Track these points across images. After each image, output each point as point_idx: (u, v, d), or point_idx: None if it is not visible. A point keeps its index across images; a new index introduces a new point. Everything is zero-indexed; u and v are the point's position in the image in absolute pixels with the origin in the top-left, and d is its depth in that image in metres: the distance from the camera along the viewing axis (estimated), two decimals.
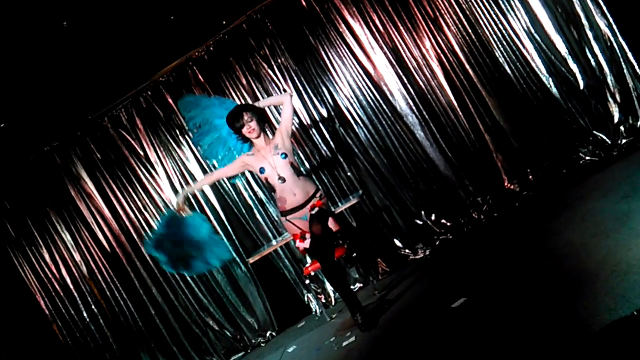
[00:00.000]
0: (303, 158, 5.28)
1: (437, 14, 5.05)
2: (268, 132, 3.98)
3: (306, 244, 3.76)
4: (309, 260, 5.19)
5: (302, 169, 3.96)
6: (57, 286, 5.60)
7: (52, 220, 5.57)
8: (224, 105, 4.04)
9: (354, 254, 5.00)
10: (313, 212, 3.73)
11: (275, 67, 5.29)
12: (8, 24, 3.94)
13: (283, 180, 3.67)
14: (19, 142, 5.37)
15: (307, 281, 5.07)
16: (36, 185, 5.57)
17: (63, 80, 4.88)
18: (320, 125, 5.25)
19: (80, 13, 4.25)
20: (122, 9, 4.48)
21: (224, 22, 5.30)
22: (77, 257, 5.58)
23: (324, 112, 5.26)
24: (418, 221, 5.18)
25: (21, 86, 4.66)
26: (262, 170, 3.72)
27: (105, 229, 5.55)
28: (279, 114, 5.05)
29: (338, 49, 5.21)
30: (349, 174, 5.24)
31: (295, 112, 4.17)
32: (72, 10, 4.19)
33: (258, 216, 5.37)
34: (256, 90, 5.30)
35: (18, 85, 4.62)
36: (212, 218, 5.40)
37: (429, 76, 5.10)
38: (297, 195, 3.72)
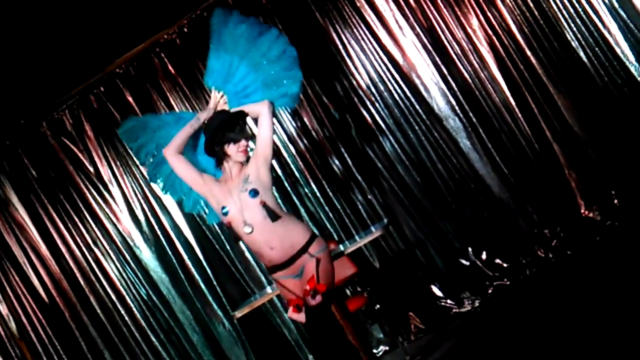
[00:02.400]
0: (308, 176, 5.24)
1: None
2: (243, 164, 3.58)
3: (302, 317, 3.43)
4: None
5: (282, 209, 3.55)
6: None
7: None
8: (181, 122, 3.65)
9: (377, 306, 4.94)
10: (314, 300, 3.35)
11: None
12: None
13: (250, 228, 3.37)
14: None
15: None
16: None
17: None
18: (332, 132, 5.23)
19: None
20: None
21: None
22: (4, 309, 5.47)
23: (337, 115, 5.24)
24: (464, 261, 5.13)
25: None
26: (224, 210, 3.43)
27: (41, 271, 5.46)
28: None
29: (355, 30, 5.20)
30: (370, 197, 5.21)
31: (274, 130, 3.61)
32: None
33: (248, 255, 5.30)
34: None
35: None
36: (184, 257, 5.35)
37: (476, 66, 5.08)
38: (276, 249, 3.41)
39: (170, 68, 5.36)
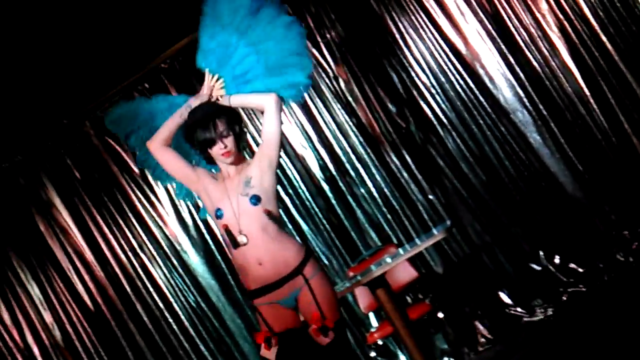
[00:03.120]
0: (364, 175, 5.26)
1: None
2: (245, 154, 3.38)
3: (272, 354, 3.14)
4: (374, 320, 5.10)
5: (284, 226, 3.41)
6: (20, 358, 5.61)
7: (14, 267, 5.62)
8: (174, 108, 3.34)
9: (440, 314, 4.93)
10: (327, 338, 3.08)
11: (322, 44, 5.33)
12: None
13: (245, 239, 3.11)
14: None
15: (373, 353, 4.97)
16: None
17: (28, 70, 4.96)
18: (388, 127, 5.24)
19: None
20: None
21: None
22: (48, 317, 5.60)
23: (394, 109, 5.24)
24: (535, 266, 5.10)
25: None
26: (219, 212, 3.17)
27: (86, 277, 5.58)
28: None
29: (413, 17, 5.20)
30: (431, 197, 5.21)
31: (282, 132, 3.28)
32: None
33: None
34: None
35: None
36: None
37: (546, 53, 5.04)
38: (265, 266, 3.12)
39: None
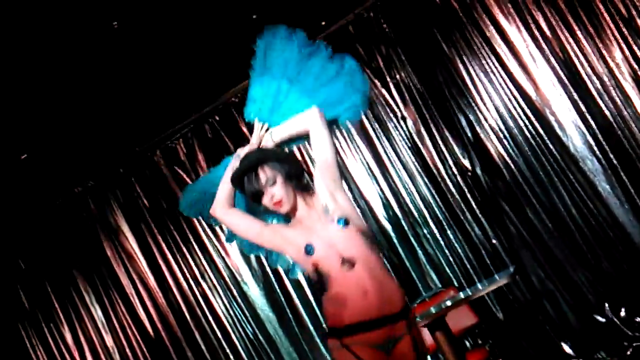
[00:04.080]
0: (427, 216, 5.26)
1: (633, 12, 4.93)
2: (309, 194, 2.99)
3: None
4: None
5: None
6: None
7: (79, 288, 5.79)
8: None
9: None
10: None
11: (391, 84, 5.38)
12: (37, 31, 4.19)
13: (350, 264, 2.79)
14: (43, 179, 5.65)
15: None
16: (61, 239, 5.84)
17: (103, 100, 5.11)
18: (454, 169, 5.25)
19: (129, 13, 4.46)
20: (186, 8, 4.67)
21: (323, 23, 5.42)
22: (109, 340, 5.73)
23: (460, 152, 5.26)
24: (599, 317, 5.00)
25: (49, 106, 4.92)
26: (308, 248, 2.86)
27: (148, 303, 5.69)
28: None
29: (483, 61, 5.22)
30: (494, 242, 5.18)
31: (334, 145, 3.01)
32: (120, 10, 4.42)
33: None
34: (364, 117, 5.34)
35: (45, 105, 4.88)
36: (293, 295, 5.46)
37: (619, 102, 4.98)
38: (370, 297, 2.77)
39: None
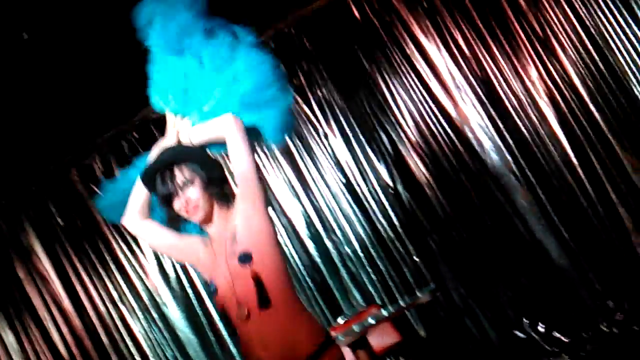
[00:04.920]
0: (350, 235, 5.26)
1: (548, 32, 5.10)
2: (228, 207, 2.61)
3: None
4: None
5: (294, 289, 2.57)
6: None
7: None
8: None
9: None
10: None
11: (313, 101, 5.40)
12: None
13: (246, 314, 2.41)
14: None
15: None
16: None
17: (14, 116, 4.96)
18: (376, 187, 5.28)
19: (41, 23, 4.36)
20: (102, 19, 4.59)
21: None
22: None
23: (382, 169, 5.30)
24: (519, 333, 5.08)
25: None
26: (211, 288, 2.55)
27: (63, 327, 5.50)
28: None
29: (404, 78, 5.27)
30: (415, 259, 5.21)
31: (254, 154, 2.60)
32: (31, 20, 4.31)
33: None
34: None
35: None
36: (215, 317, 5.36)
37: (535, 120, 5.10)
38: (270, 351, 2.42)
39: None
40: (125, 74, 5.11)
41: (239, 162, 2.50)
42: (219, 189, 2.57)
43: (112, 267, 5.53)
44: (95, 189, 5.58)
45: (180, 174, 2.53)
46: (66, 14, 4.42)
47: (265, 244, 2.49)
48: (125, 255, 5.54)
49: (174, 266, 5.47)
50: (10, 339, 5.55)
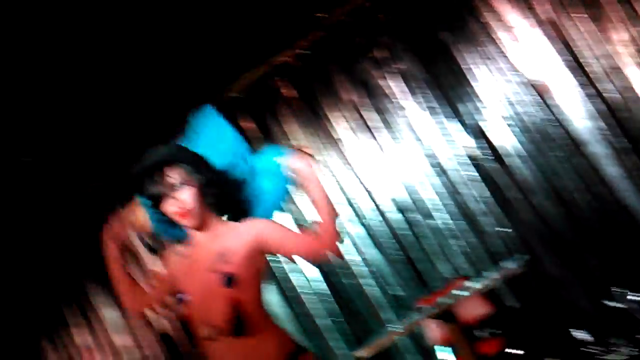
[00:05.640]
0: (434, 205, 5.24)
1: None
2: (218, 217, 2.66)
3: None
4: (445, 354, 5.03)
5: (263, 309, 2.55)
6: None
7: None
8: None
9: (513, 350, 4.83)
10: None
11: (391, 74, 5.39)
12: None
13: (209, 331, 2.41)
14: (51, 183, 5.69)
15: None
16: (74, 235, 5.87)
17: (105, 105, 5.20)
18: (460, 159, 5.26)
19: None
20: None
21: (320, 16, 5.42)
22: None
23: (466, 141, 5.26)
24: (612, 303, 4.98)
25: (55, 108, 4.97)
26: (178, 297, 2.50)
27: None
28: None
29: (485, 48, 5.20)
30: (506, 229, 5.17)
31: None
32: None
33: (370, 291, 5.39)
34: (363, 108, 5.40)
35: (53, 107, 4.93)
36: (302, 292, 5.45)
37: (622, 85, 4.94)
38: None
39: (285, 91, 5.56)
40: (208, 55, 5.24)
41: (292, 252, 2.51)
42: (215, 199, 2.54)
43: None
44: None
45: (175, 175, 2.49)
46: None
47: (253, 274, 2.46)
48: None
49: None
50: (112, 314, 5.80)
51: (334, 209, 2.50)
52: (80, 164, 5.58)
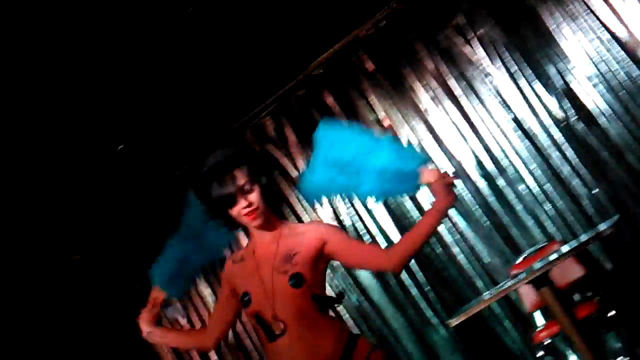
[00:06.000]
0: (525, 172, 5.20)
1: None
2: (277, 218, 2.69)
3: None
4: (540, 319, 5.05)
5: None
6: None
7: None
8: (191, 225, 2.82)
9: (612, 312, 4.75)
10: None
11: (474, 41, 5.34)
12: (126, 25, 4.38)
13: (282, 328, 2.47)
14: (141, 167, 5.90)
15: (540, 353, 4.92)
16: (166, 222, 6.02)
17: (191, 84, 5.29)
18: (547, 121, 5.18)
19: None
20: None
21: None
22: None
23: (552, 103, 5.18)
24: None
25: (141, 94, 5.12)
26: (245, 298, 2.55)
27: None
28: None
29: (570, 7, 5.09)
30: (595, 191, 5.09)
31: None
32: None
33: (461, 258, 5.39)
34: (447, 76, 5.38)
35: (137, 93, 5.08)
36: None
37: None
38: None
39: (369, 64, 5.59)
40: (288, 34, 5.30)
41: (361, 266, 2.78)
42: (273, 198, 2.61)
43: (293, 219, 5.74)
44: (269, 147, 5.87)
45: (242, 177, 2.51)
46: None
47: (320, 274, 2.55)
48: (304, 209, 5.78)
49: (349, 215, 5.65)
50: (206, 291, 6.01)
51: (422, 245, 2.60)
52: None
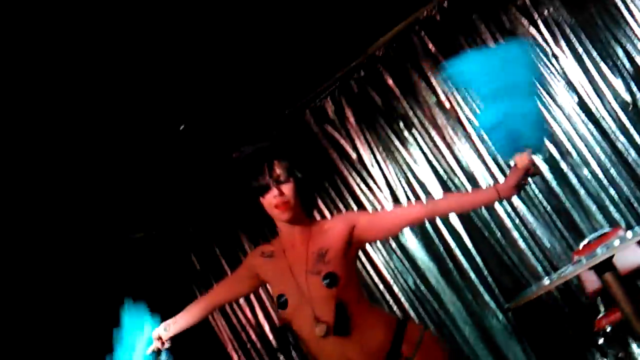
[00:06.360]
0: (588, 156, 5.12)
1: None
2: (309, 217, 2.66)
3: None
4: (601, 306, 4.96)
5: (363, 293, 2.63)
6: (252, 335, 6.09)
7: (245, 249, 6.09)
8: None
9: None
10: None
11: (539, 21, 5.27)
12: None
13: (325, 329, 2.44)
14: (204, 148, 5.96)
15: (601, 340, 4.86)
16: (226, 201, 6.15)
17: (250, 64, 5.31)
18: (613, 104, 5.08)
19: None
20: None
21: None
22: None
23: (619, 85, 5.08)
24: None
25: (205, 75, 5.18)
26: (281, 300, 2.52)
27: None
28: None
29: None
30: None
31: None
32: None
33: (521, 243, 5.33)
34: None
35: (201, 74, 5.14)
36: (452, 245, 5.49)
37: None
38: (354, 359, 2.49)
39: (430, 46, 5.54)
40: (348, 15, 5.28)
41: (406, 222, 2.66)
42: (307, 195, 2.60)
43: (349, 200, 5.80)
44: (328, 128, 5.87)
45: (280, 168, 2.53)
46: None
47: (352, 266, 2.52)
48: (360, 188, 5.78)
49: (407, 196, 5.63)
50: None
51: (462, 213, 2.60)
52: None
